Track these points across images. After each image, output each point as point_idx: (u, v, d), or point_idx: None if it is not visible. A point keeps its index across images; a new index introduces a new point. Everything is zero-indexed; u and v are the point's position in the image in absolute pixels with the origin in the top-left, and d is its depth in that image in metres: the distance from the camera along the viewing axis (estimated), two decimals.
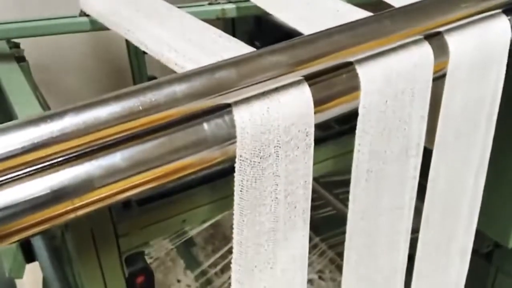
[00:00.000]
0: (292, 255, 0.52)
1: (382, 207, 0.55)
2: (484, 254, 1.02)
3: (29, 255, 0.88)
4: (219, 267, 1.61)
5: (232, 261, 0.49)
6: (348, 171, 0.52)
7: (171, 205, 0.51)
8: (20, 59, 0.67)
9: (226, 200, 0.53)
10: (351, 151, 0.53)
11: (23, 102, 0.55)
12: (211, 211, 0.53)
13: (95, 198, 0.39)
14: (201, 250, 2.02)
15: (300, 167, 0.48)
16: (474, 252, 0.73)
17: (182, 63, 0.47)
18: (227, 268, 1.58)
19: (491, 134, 0.63)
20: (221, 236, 2.08)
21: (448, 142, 0.59)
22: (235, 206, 0.47)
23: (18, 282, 1.16)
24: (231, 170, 0.50)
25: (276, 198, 0.48)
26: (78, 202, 0.39)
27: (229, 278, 1.53)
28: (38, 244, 0.74)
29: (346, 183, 0.55)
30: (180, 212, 0.52)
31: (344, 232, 0.57)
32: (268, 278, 0.51)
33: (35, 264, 0.94)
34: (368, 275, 0.58)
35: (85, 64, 1.27)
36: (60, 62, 1.21)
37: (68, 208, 0.38)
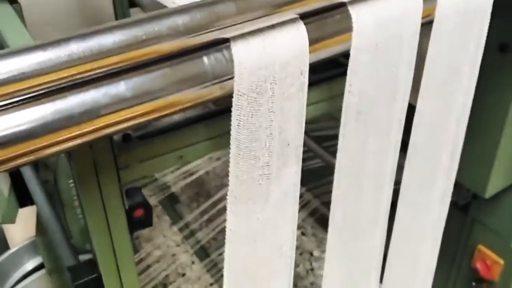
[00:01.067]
0: (284, 190, 0.54)
1: (369, 147, 0.57)
2: (461, 206, 1.06)
3: (22, 200, 0.89)
4: (202, 220, 1.64)
5: (228, 193, 0.51)
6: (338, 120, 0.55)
7: (169, 141, 0.53)
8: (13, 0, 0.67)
9: (221, 138, 0.55)
10: (342, 94, 0.55)
11: (18, 41, 0.55)
12: (207, 148, 0.55)
13: (100, 125, 0.41)
14: (185, 207, 2.05)
15: (294, 105, 0.50)
16: (452, 204, 0.76)
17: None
18: (210, 221, 1.62)
19: (474, 82, 0.65)
20: (205, 194, 2.11)
21: (432, 88, 0.61)
22: (232, 140, 0.49)
23: (6, 230, 1.18)
24: (227, 109, 0.52)
25: (271, 134, 0.50)
26: (84, 128, 0.40)
27: (213, 230, 1.56)
28: (33, 187, 0.75)
29: (336, 137, 0.58)
30: (177, 148, 0.54)
31: (331, 182, 0.60)
32: (261, 211, 0.53)
33: (26, 210, 0.96)
34: (353, 214, 0.61)
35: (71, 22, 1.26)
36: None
37: (75, 133, 0.40)
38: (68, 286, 0.85)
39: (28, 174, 0.75)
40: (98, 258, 0.56)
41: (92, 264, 0.58)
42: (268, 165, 0.52)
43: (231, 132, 0.48)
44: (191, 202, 2.07)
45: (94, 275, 0.56)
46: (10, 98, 0.37)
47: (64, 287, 0.85)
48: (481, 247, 1.05)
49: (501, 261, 1.02)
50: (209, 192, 2.11)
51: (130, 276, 0.58)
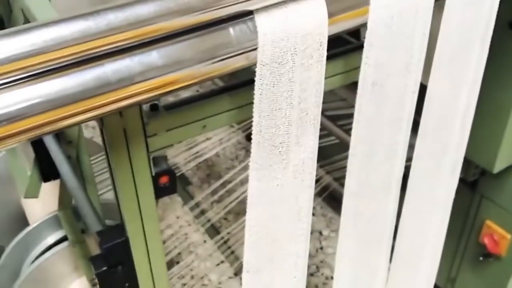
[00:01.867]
0: (302, 158, 0.57)
1: (384, 117, 0.60)
2: (470, 183, 1.09)
3: (45, 174, 0.93)
4: (213, 199, 1.68)
5: (251, 160, 0.54)
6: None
7: (194, 111, 0.56)
8: None
9: (243, 108, 0.58)
10: (356, 68, 0.58)
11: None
12: (229, 118, 0.58)
13: (134, 91, 0.44)
14: (197, 189, 2.09)
15: (313, 76, 0.53)
16: (460, 181, 0.79)
17: None
18: (220, 201, 1.65)
19: (484, 57, 0.67)
20: (216, 176, 2.15)
21: (444, 62, 0.64)
22: (255, 109, 0.51)
23: (26, 206, 1.21)
24: (248, 81, 0.55)
25: (291, 103, 0.53)
26: (120, 94, 0.43)
27: (223, 209, 1.59)
28: (59, 158, 0.78)
29: (350, 116, 0.60)
30: (201, 118, 0.56)
31: (344, 159, 0.63)
32: (281, 177, 0.56)
33: (45, 186, 0.99)
34: (367, 181, 0.64)
35: None
36: None
37: (111, 99, 0.43)
38: (88, 257, 0.89)
39: (53, 147, 0.78)
40: (126, 222, 0.59)
41: (120, 229, 0.61)
42: (287, 134, 0.54)
43: (254, 101, 0.51)
44: (202, 183, 2.11)
45: (122, 239, 0.60)
46: (54, 65, 0.40)
47: (85, 257, 0.88)
48: (488, 222, 1.08)
49: (509, 236, 1.05)
50: (219, 174, 2.15)
51: (156, 240, 0.62)
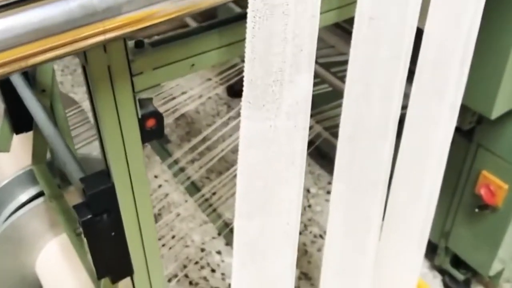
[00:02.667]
0: (296, 98, 0.59)
1: (381, 55, 0.62)
2: (466, 131, 1.12)
3: (17, 126, 0.93)
4: (193, 156, 1.70)
5: (243, 99, 0.56)
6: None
7: (182, 48, 0.57)
8: None
9: (233, 46, 0.59)
10: (355, 1, 0.59)
11: None
12: (219, 56, 0.59)
13: (122, 23, 0.45)
14: (176, 147, 2.11)
15: (308, 8, 0.54)
16: (456, 130, 0.82)
17: None
18: (202, 158, 1.67)
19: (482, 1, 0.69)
20: (196, 133, 2.16)
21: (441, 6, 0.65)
22: (247, 44, 0.53)
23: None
24: (239, 16, 0.56)
25: (285, 38, 0.54)
26: (108, 25, 0.44)
27: (205, 165, 1.61)
28: (34, 106, 0.79)
29: (344, 63, 0.62)
30: (190, 56, 0.57)
31: (337, 106, 0.65)
32: (274, 117, 0.58)
33: (14, 141, 1.00)
34: (363, 123, 0.66)
35: None
36: None
37: (99, 29, 0.44)
38: (67, 211, 0.91)
39: (27, 94, 0.79)
40: (111, 167, 0.60)
41: (104, 175, 0.62)
42: (281, 71, 0.56)
43: (247, 36, 0.52)
44: (182, 142, 2.13)
45: (107, 185, 0.61)
46: None
47: (64, 212, 0.90)
48: (485, 172, 1.12)
49: (506, 186, 1.09)
50: (200, 131, 2.16)
51: (142, 187, 0.63)
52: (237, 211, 0.63)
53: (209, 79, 1.81)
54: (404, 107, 0.72)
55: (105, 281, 0.74)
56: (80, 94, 2.33)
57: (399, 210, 0.83)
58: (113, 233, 0.65)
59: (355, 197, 0.73)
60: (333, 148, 0.68)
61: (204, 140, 1.68)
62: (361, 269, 0.83)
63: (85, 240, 0.65)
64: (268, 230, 0.66)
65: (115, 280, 0.70)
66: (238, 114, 0.57)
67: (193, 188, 1.76)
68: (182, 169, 1.77)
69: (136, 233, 0.67)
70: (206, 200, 1.67)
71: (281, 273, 0.70)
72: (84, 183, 0.62)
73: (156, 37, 0.57)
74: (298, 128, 0.61)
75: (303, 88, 0.59)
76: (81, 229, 0.63)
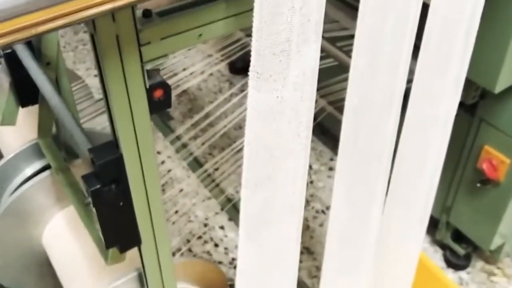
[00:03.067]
0: (303, 69, 0.59)
1: (388, 26, 0.62)
2: (469, 106, 1.13)
3: (22, 99, 0.94)
4: (195, 132, 1.70)
5: (250, 70, 0.56)
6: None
7: (189, 18, 0.57)
8: None
9: (241, 16, 0.59)
10: None
11: None
12: (226, 26, 0.59)
13: None
14: (179, 124, 2.11)
15: None
16: (459, 105, 0.82)
17: None
18: (204, 135, 1.68)
19: None
20: (199, 110, 2.16)
21: None
22: (255, 13, 0.53)
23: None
24: None
25: (293, 7, 0.54)
26: None
27: (207, 141, 1.61)
28: (40, 78, 0.79)
29: (349, 37, 0.62)
30: (197, 26, 0.58)
31: (342, 81, 0.65)
32: (281, 88, 0.58)
33: (22, 114, 1.00)
34: (369, 95, 0.67)
35: None
36: None
37: None
38: (74, 184, 0.92)
39: (33, 66, 0.79)
40: (120, 138, 0.61)
41: (112, 146, 0.63)
42: (288, 41, 0.56)
43: (254, 5, 0.52)
44: (184, 118, 2.13)
45: (116, 155, 0.62)
46: None
47: (71, 185, 0.91)
48: (487, 147, 1.13)
49: (508, 161, 1.10)
50: (202, 108, 2.16)
51: (150, 157, 0.64)
52: (243, 182, 0.63)
53: (210, 55, 1.81)
54: (410, 81, 0.72)
55: (113, 251, 0.75)
56: (82, 71, 2.33)
57: (402, 185, 0.84)
58: (121, 203, 0.66)
59: (359, 170, 0.74)
60: (336, 124, 0.69)
61: (206, 116, 1.68)
62: (365, 242, 0.84)
63: (93, 210, 0.66)
64: (274, 201, 0.66)
65: (123, 249, 0.71)
66: (240, 91, 0.57)
67: (196, 164, 1.77)
68: (184, 145, 1.78)
69: (144, 204, 0.68)
70: (209, 175, 1.68)
71: (287, 244, 0.71)
72: (93, 153, 0.63)
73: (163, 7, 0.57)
74: (305, 99, 0.61)
75: (310, 59, 0.59)
76: (89, 200, 0.64)
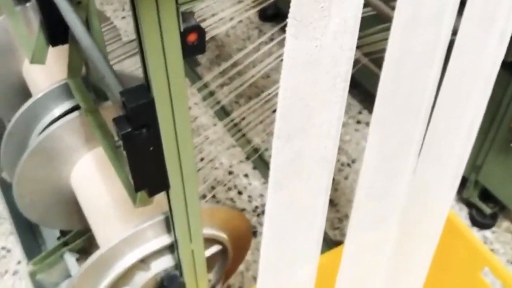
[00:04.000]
0: (345, 16, 0.56)
1: None
2: (508, 64, 1.08)
3: (52, 38, 0.92)
4: (223, 80, 1.68)
5: (289, 16, 0.54)
6: None
7: None
8: None
9: None
10: None
11: None
12: None
13: None
14: (206, 70, 2.09)
15: None
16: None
17: None
18: (231, 83, 1.66)
19: None
20: (226, 57, 2.14)
21: None
22: None
23: (28, 76, 1.22)
24: None
25: None
26: None
27: (234, 90, 1.60)
28: (71, 17, 0.77)
29: None
30: None
31: (380, 31, 0.62)
32: (320, 37, 0.56)
33: (51, 54, 0.99)
34: (410, 47, 0.64)
35: None
36: None
37: None
38: (103, 125, 0.91)
39: (64, 5, 0.77)
40: (152, 82, 0.60)
41: (144, 90, 0.62)
42: None
43: None
44: (211, 65, 2.11)
45: (148, 99, 0.61)
46: None
47: (100, 126, 0.91)
48: None
49: None
50: (230, 55, 2.14)
51: (182, 103, 0.63)
52: (276, 132, 0.62)
53: (241, 1, 1.77)
54: (454, 33, 0.69)
55: (142, 194, 0.76)
56: (109, 12, 2.30)
57: (438, 141, 0.82)
58: (151, 148, 0.65)
59: (395, 124, 0.72)
60: (367, 77, 0.66)
61: (234, 64, 1.66)
62: (394, 197, 0.82)
63: (123, 153, 0.65)
64: (306, 153, 0.65)
65: (151, 193, 0.71)
66: (270, 39, 0.55)
67: (222, 113, 1.76)
68: (211, 93, 1.76)
69: (174, 149, 0.67)
70: (235, 125, 1.67)
71: (316, 196, 0.70)
72: (125, 96, 0.62)
73: None
74: (344, 49, 0.59)
75: (353, 6, 0.56)
76: (120, 143, 0.64)
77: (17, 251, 1.33)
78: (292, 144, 0.64)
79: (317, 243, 0.74)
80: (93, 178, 1.02)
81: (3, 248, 1.38)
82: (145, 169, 0.67)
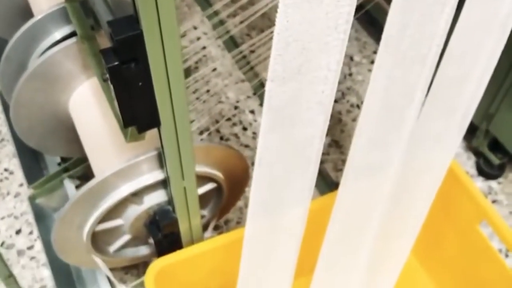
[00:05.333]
0: None
1: None
2: None
3: None
4: (234, 8, 1.62)
5: None
6: None
7: None
8: None
9: None
10: None
11: None
12: None
13: None
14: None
15: None
16: None
17: None
18: (241, 12, 1.60)
19: None
20: None
21: None
22: None
23: None
24: None
25: None
26: None
27: (242, 23, 1.54)
28: None
29: None
30: None
31: None
32: None
33: None
34: None
35: None
36: None
37: None
38: (98, 55, 0.88)
39: None
40: (140, 12, 0.56)
41: (133, 21, 0.59)
42: None
43: None
44: None
45: (136, 32, 0.58)
46: None
47: (95, 55, 0.88)
48: None
49: None
50: None
51: (172, 37, 0.59)
52: (270, 74, 0.59)
53: None
54: None
55: (132, 130, 0.74)
56: None
57: (445, 87, 0.78)
58: (140, 83, 0.63)
59: (400, 69, 0.68)
60: (384, 14, 0.62)
61: None
62: (395, 143, 0.80)
63: (111, 87, 0.63)
64: (301, 97, 0.62)
65: (141, 130, 0.69)
66: None
67: (232, 44, 1.71)
68: (222, 22, 1.71)
69: (165, 85, 0.65)
70: (244, 57, 1.63)
71: (310, 141, 0.68)
72: (112, 27, 0.59)
73: None
74: None
75: None
76: (107, 76, 0.61)
77: (20, 174, 1.34)
78: (287, 88, 0.61)
79: (309, 188, 0.72)
80: (91, 108, 1.00)
81: (6, 169, 1.39)
82: (134, 105, 0.65)
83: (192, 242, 0.92)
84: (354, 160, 0.76)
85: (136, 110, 0.65)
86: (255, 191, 0.69)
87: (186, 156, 0.76)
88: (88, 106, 1.02)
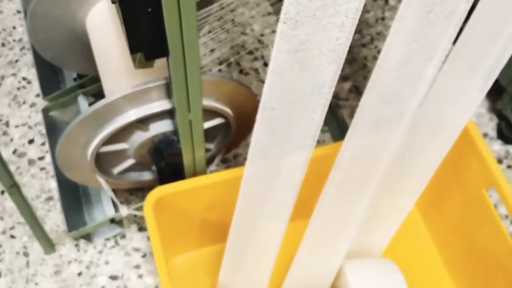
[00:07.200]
0: None
1: None
2: None
3: None
4: None
5: None
6: None
7: None
8: None
9: None
10: None
11: None
12: None
13: None
14: None
15: None
16: None
17: None
18: None
19: None
20: None
21: None
22: None
23: None
24: None
25: None
26: None
27: None
28: None
29: None
30: None
31: None
32: None
33: None
34: None
35: None
36: None
37: None
38: None
39: None
40: None
41: None
42: None
43: None
44: None
45: None
46: None
47: None
48: None
49: None
50: None
51: None
52: (283, 15, 0.56)
53: None
54: None
55: (141, 56, 0.72)
56: None
57: (470, 47, 0.74)
58: (149, 9, 0.61)
59: (423, 24, 0.65)
60: None
61: None
62: (409, 99, 0.77)
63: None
64: (314, 42, 0.60)
65: (148, 58, 0.68)
66: None
67: None
68: None
69: (175, 14, 0.62)
70: None
71: (317, 89, 0.65)
72: None
73: None
74: None
75: None
76: None
77: (37, 84, 1.34)
78: (300, 31, 0.58)
79: (313, 136, 0.70)
80: (107, 28, 0.98)
81: (24, 78, 1.40)
82: (141, 31, 0.63)
83: (194, 174, 0.92)
84: (363, 112, 0.74)
85: (144, 37, 0.64)
86: (257, 133, 0.68)
87: (194, 89, 0.75)
88: (104, 25, 1.00)
